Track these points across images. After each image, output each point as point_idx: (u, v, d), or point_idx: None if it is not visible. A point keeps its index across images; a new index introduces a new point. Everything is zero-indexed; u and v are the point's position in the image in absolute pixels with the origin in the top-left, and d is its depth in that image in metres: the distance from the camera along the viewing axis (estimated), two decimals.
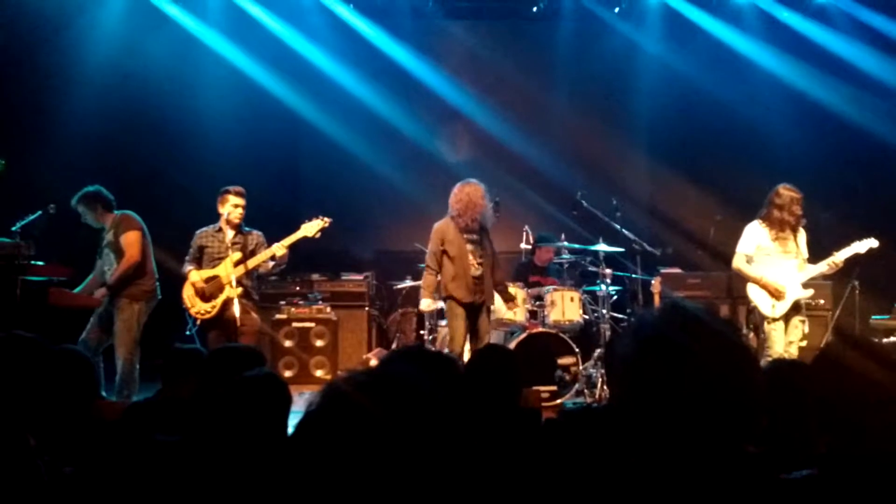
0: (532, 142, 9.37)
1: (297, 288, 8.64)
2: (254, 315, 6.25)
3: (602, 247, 7.25)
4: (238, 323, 5.87)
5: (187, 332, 6.16)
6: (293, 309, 8.33)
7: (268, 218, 6.75)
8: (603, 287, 7.23)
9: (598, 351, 7.21)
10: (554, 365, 7.02)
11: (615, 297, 7.71)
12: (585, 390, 7.01)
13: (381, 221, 9.78)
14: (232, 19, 9.37)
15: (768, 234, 6.12)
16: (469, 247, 6.35)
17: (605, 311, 7.18)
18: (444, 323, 6.83)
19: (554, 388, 6.96)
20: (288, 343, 8.18)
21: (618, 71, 9.75)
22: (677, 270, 8.42)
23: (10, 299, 5.66)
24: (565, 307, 7.24)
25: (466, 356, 6.11)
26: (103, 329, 6.11)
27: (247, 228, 6.32)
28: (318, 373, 8.12)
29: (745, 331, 6.21)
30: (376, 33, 9.68)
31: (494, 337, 7.31)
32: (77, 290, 6.25)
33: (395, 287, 8.79)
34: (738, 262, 6.21)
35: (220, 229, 6.22)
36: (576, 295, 7.35)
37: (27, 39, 8.28)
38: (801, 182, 6.29)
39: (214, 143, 8.76)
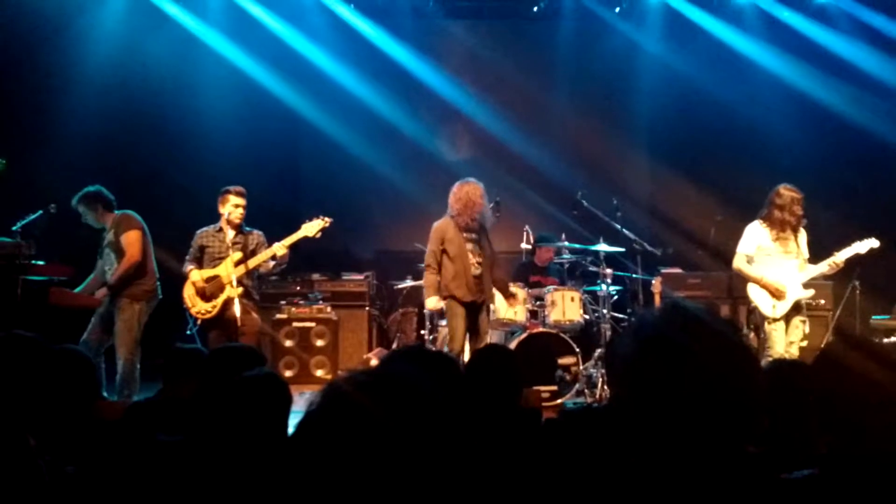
0: (532, 141, 9.37)
1: (298, 288, 8.65)
2: (254, 315, 6.25)
3: (602, 247, 7.24)
4: (238, 323, 5.87)
5: (188, 332, 6.16)
6: (294, 309, 8.34)
7: (268, 218, 6.76)
8: (603, 287, 7.23)
9: (599, 351, 7.21)
10: (554, 365, 7.02)
11: (616, 297, 7.71)
12: (586, 390, 7.01)
13: (381, 221, 9.78)
14: (232, 19, 9.37)
15: (769, 234, 6.11)
16: (469, 246, 6.36)
17: (605, 311, 7.18)
18: (444, 323, 6.83)
19: (554, 387, 6.96)
20: (288, 343, 8.18)
21: (618, 71, 9.75)
22: (678, 270, 8.42)
23: (10, 299, 5.66)
24: (566, 307, 7.24)
25: (466, 355, 6.11)
26: (104, 329, 6.10)
27: (247, 228, 6.32)
28: (319, 373, 8.12)
29: (745, 331, 6.20)
30: (377, 33, 9.68)
31: (495, 337, 7.31)
32: (77, 289, 6.25)
33: (395, 287, 8.79)
34: (738, 263, 6.21)
35: (221, 229, 6.22)
36: (576, 295, 7.35)
37: (27, 39, 8.28)
38: (801, 182, 6.29)
39: (214, 143, 8.76)
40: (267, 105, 9.18)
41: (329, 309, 8.38)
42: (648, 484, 1.30)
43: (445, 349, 6.42)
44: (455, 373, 2.65)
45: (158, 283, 6.30)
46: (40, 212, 6.09)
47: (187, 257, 6.29)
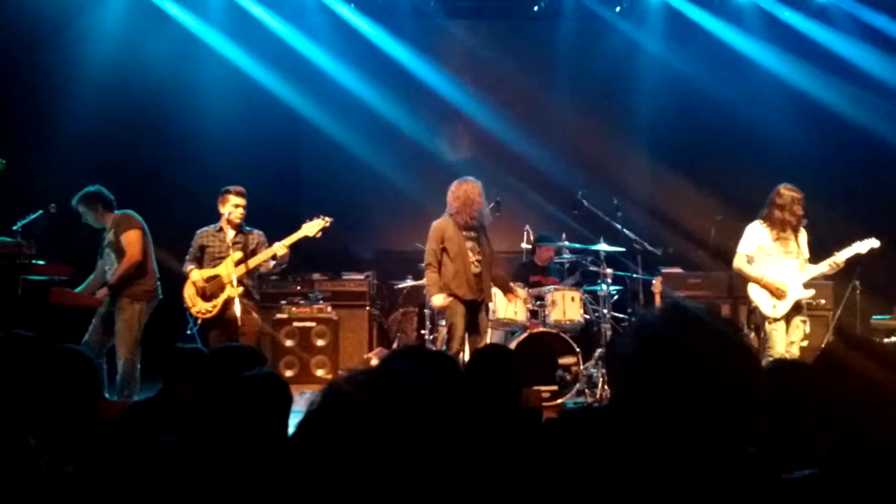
0: (533, 141, 9.37)
1: (298, 287, 8.65)
2: (254, 315, 6.25)
3: (603, 246, 7.24)
4: (239, 322, 5.87)
5: (188, 332, 6.16)
6: (294, 308, 8.34)
7: (269, 217, 6.76)
8: (604, 287, 7.23)
9: (599, 351, 7.21)
10: (555, 365, 7.02)
11: (616, 297, 7.71)
12: (586, 390, 7.01)
13: (381, 221, 9.78)
14: (233, 19, 9.37)
15: (769, 234, 6.11)
16: (469, 244, 6.37)
17: (605, 311, 7.18)
18: (444, 322, 6.83)
19: (555, 387, 6.95)
20: (289, 342, 8.19)
21: (619, 70, 9.75)
22: (678, 270, 8.42)
23: (11, 298, 5.66)
24: (566, 307, 7.24)
25: (466, 355, 6.11)
26: (106, 330, 6.10)
27: (248, 228, 6.32)
28: (319, 372, 8.12)
29: (746, 331, 6.20)
30: (377, 33, 9.68)
31: (495, 336, 7.32)
32: (78, 290, 6.25)
33: (395, 286, 8.79)
34: (738, 262, 6.21)
35: (221, 229, 6.22)
36: (577, 295, 7.35)
37: (27, 39, 8.28)
38: (801, 182, 6.28)
39: (215, 143, 8.76)
40: (267, 105, 9.19)
41: (329, 309, 8.38)
42: (649, 484, 1.30)
43: (444, 348, 6.42)
44: (455, 372, 2.65)
45: (159, 282, 6.30)
46: (40, 211, 6.08)
47: (187, 257, 6.29)
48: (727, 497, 1.27)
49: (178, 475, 2.19)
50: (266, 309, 7.56)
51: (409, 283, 8.52)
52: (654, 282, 7.57)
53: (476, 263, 6.36)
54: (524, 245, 8.16)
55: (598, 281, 7.39)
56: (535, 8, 9.92)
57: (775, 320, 6.03)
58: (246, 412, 2.30)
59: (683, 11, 9.62)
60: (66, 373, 2.83)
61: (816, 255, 6.20)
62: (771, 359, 5.51)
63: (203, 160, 8.53)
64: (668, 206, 9.38)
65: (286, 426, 2.38)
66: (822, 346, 5.73)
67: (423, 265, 6.51)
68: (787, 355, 5.76)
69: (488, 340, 6.79)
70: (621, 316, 7.71)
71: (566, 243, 7.78)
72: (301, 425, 1.25)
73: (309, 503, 1.19)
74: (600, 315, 7.27)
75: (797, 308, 6.10)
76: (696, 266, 8.60)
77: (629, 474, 1.35)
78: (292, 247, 6.16)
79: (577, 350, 7.04)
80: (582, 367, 7.03)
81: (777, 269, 6.09)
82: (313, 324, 8.26)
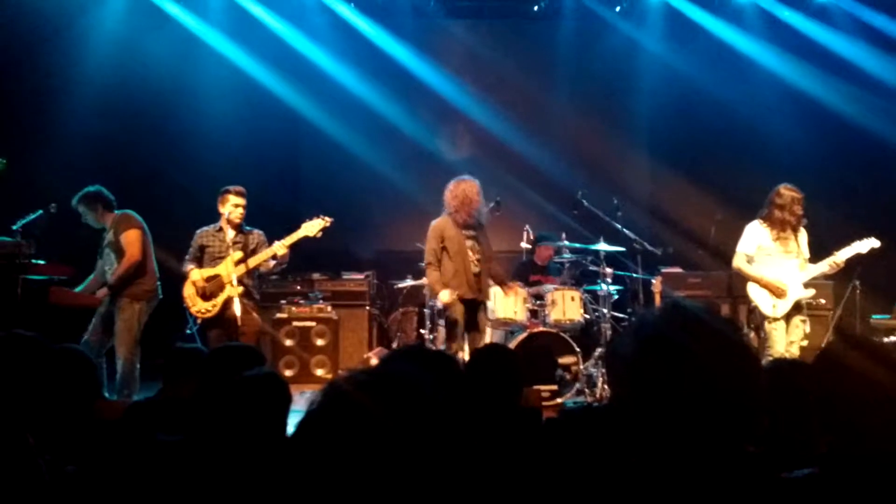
0: (533, 141, 9.37)
1: (298, 287, 8.65)
2: (254, 315, 6.25)
3: (603, 246, 7.24)
4: (239, 322, 5.87)
5: (188, 332, 6.16)
6: (294, 308, 8.34)
7: (268, 217, 6.75)
8: (604, 286, 7.23)
9: (599, 350, 7.22)
10: (555, 364, 7.02)
11: (616, 297, 7.71)
12: (586, 390, 7.01)
13: (381, 221, 9.78)
14: (233, 19, 9.37)
15: (769, 233, 6.11)
16: (468, 243, 6.37)
17: (605, 311, 7.18)
18: (444, 322, 6.82)
19: (555, 387, 6.95)
20: (289, 342, 8.19)
21: (619, 70, 9.75)
22: (678, 270, 8.43)
23: (10, 298, 5.65)
24: (566, 306, 7.24)
25: (466, 354, 6.11)
26: (105, 330, 6.10)
27: (247, 228, 6.32)
28: (319, 372, 8.12)
29: (745, 330, 6.20)
30: (377, 32, 9.69)
31: (495, 336, 7.32)
32: (78, 289, 6.25)
33: (395, 286, 8.79)
34: (738, 262, 6.21)
35: (221, 229, 6.21)
36: (576, 294, 7.34)
37: (27, 39, 8.28)
38: (801, 182, 6.28)
39: (215, 143, 8.76)
40: (267, 104, 9.19)
41: (329, 308, 8.38)
42: (648, 484, 1.30)
43: (444, 347, 6.43)
44: (455, 372, 2.65)
45: (159, 282, 6.30)
46: (40, 211, 6.08)
47: (187, 257, 6.29)
48: (727, 496, 1.27)
49: (178, 475, 2.19)
50: (266, 308, 7.56)
51: (409, 282, 8.52)
52: (653, 281, 7.57)
53: (475, 263, 6.37)
54: (524, 244, 8.16)
55: (598, 281, 7.38)
56: (535, 8, 9.92)
57: (775, 320, 6.03)
58: (246, 412, 2.30)
59: (683, 11, 9.62)
60: (65, 372, 2.83)
61: (816, 255, 6.19)
62: (771, 358, 5.51)
63: (203, 160, 8.53)
64: (668, 205, 9.38)
65: (286, 426, 2.38)
66: (822, 345, 5.74)
67: (424, 265, 6.50)
68: (787, 355, 5.76)
69: (488, 340, 6.80)
70: (621, 316, 7.72)
71: (566, 243, 7.78)
72: (301, 425, 1.25)
73: (309, 503, 1.19)
74: (600, 315, 7.28)
75: (797, 308, 6.10)
76: (696, 266, 8.60)
77: (629, 474, 1.35)
78: (292, 246, 6.15)
79: (577, 350, 7.04)
80: (582, 367, 7.03)
81: (777, 268, 6.09)
82: (313, 323, 8.26)
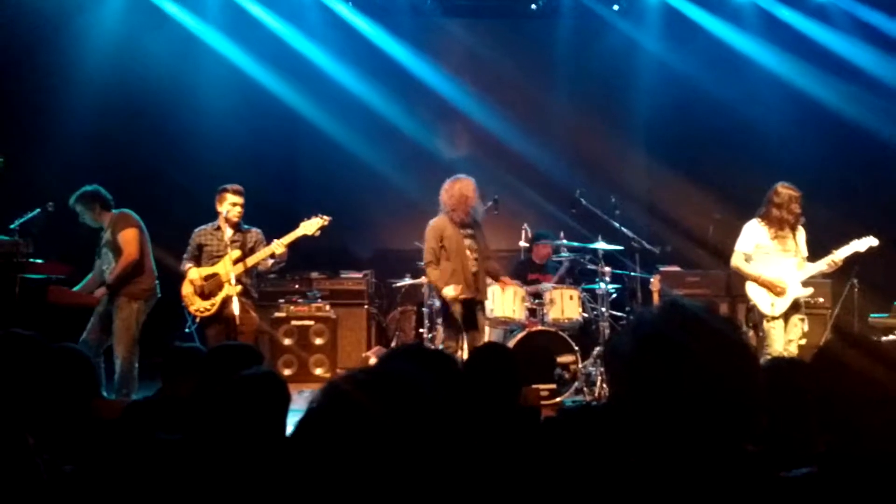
0: (531, 140, 9.37)
1: (297, 286, 8.64)
2: (252, 314, 6.24)
3: (601, 245, 7.25)
4: (237, 321, 5.86)
5: (186, 330, 6.15)
6: (292, 307, 8.34)
7: (267, 216, 6.75)
8: (602, 285, 7.24)
9: (598, 349, 7.21)
10: (553, 363, 7.02)
11: (614, 296, 7.71)
12: (585, 388, 7.01)
13: (380, 220, 9.78)
14: (231, 18, 9.37)
15: (767, 232, 6.11)
16: (467, 242, 6.38)
17: (604, 310, 7.18)
18: (442, 321, 6.82)
19: (553, 386, 6.95)
20: (287, 341, 8.18)
21: (617, 69, 9.75)
22: (676, 268, 8.43)
23: (8, 297, 5.66)
24: (564, 305, 7.24)
25: (465, 354, 6.11)
26: (104, 329, 6.10)
27: (246, 226, 6.31)
28: (318, 371, 8.12)
29: (744, 329, 6.20)
30: (375, 31, 9.68)
31: (494, 335, 7.32)
32: (76, 288, 6.25)
33: (394, 285, 8.79)
34: (736, 261, 6.21)
35: (219, 227, 6.20)
36: (575, 293, 7.34)
37: (27, 39, 8.27)
38: (800, 181, 6.28)
39: (214, 142, 8.76)
40: (266, 104, 9.18)
41: (328, 307, 8.38)
42: (648, 483, 1.30)
43: (442, 347, 6.43)
44: (454, 371, 2.64)
45: (157, 281, 6.29)
46: (38, 210, 6.08)
47: (185, 255, 6.28)
48: (726, 495, 1.27)
49: (177, 474, 2.19)
50: (264, 307, 7.55)
51: (408, 281, 8.52)
52: (652, 280, 7.57)
53: (473, 262, 6.37)
54: (522, 243, 8.16)
55: (597, 279, 7.39)
56: (533, 6, 9.91)
57: (773, 318, 6.03)
58: (244, 411, 2.30)
59: (682, 10, 9.62)
60: (63, 371, 2.83)
61: (815, 254, 6.19)
62: (769, 357, 5.51)
63: (201, 159, 8.53)
64: (667, 204, 9.38)
65: (284, 425, 2.38)
66: (821, 344, 5.75)
67: (423, 264, 6.50)
68: (786, 353, 5.77)
69: (487, 339, 6.80)
70: (620, 314, 7.71)
71: (564, 241, 7.78)
72: (300, 424, 1.25)
73: (308, 502, 1.19)
74: (599, 313, 7.28)
75: (795, 306, 6.10)
76: (695, 264, 8.60)
77: (628, 473, 1.35)
78: (290, 245, 6.15)
79: (576, 348, 7.04)
80: (580, 366, 7.03)
81: (775, 267, 6.09)
82: (312, 322, 8.26)
